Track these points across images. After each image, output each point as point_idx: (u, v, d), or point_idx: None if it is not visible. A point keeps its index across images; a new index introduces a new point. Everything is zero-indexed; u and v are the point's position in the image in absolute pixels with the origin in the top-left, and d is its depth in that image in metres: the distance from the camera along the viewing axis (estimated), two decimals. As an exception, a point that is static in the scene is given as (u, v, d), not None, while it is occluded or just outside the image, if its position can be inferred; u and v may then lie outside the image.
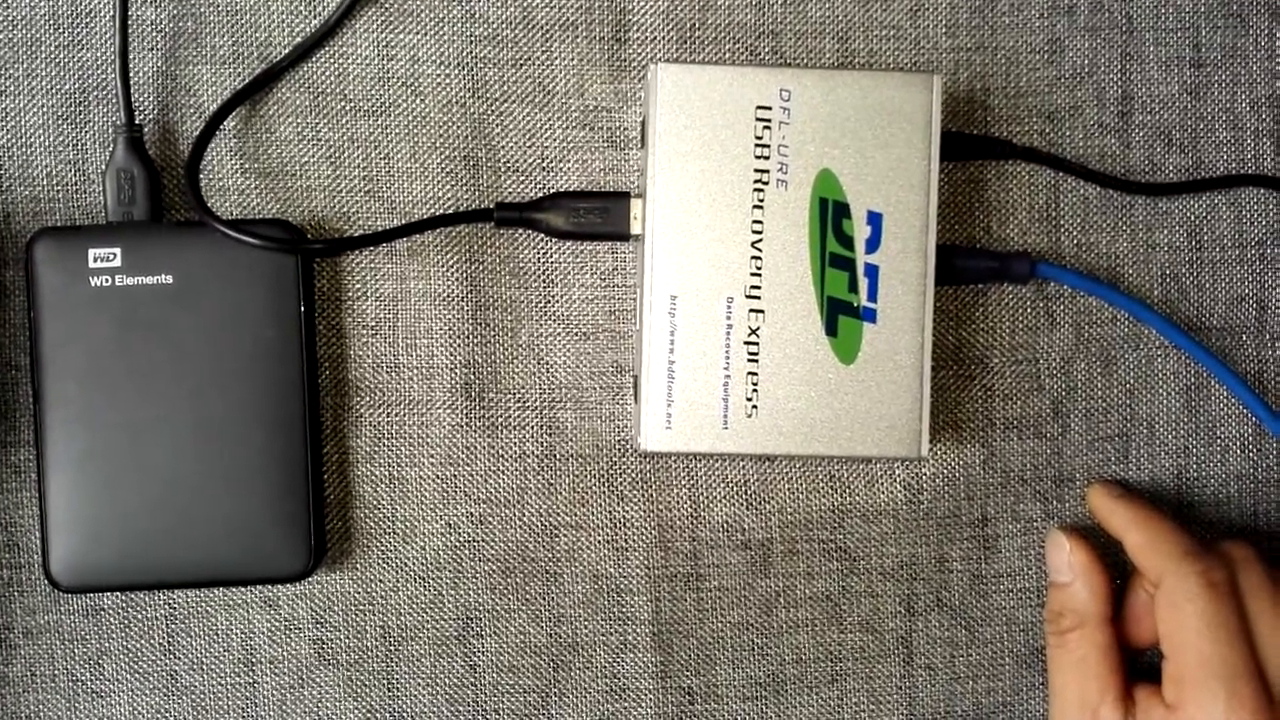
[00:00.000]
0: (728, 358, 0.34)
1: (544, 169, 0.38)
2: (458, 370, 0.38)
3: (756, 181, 0.34)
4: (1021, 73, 0.38)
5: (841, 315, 0.34)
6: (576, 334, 0.38)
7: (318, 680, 0.38)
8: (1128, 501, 0.36)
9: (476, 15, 0.38)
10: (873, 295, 0.34)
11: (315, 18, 0.37)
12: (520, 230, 0.38)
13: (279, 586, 0.37)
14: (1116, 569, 0.38)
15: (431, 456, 0.38)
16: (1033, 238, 0.39)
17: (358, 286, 0.38)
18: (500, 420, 0.38)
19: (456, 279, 0.38)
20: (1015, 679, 0.39)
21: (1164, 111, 0.39)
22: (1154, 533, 0.35)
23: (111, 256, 0.35)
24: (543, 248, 0.38)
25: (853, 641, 0.39)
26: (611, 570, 0.38)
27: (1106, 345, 0.39)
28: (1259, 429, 0.39)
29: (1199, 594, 0.33)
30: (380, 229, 0.37)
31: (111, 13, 0.37)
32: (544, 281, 0.38)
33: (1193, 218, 0.39)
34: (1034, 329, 0.39)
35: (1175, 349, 0.39)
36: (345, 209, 0.38)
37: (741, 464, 0.38)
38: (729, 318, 0.34)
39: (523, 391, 0.38)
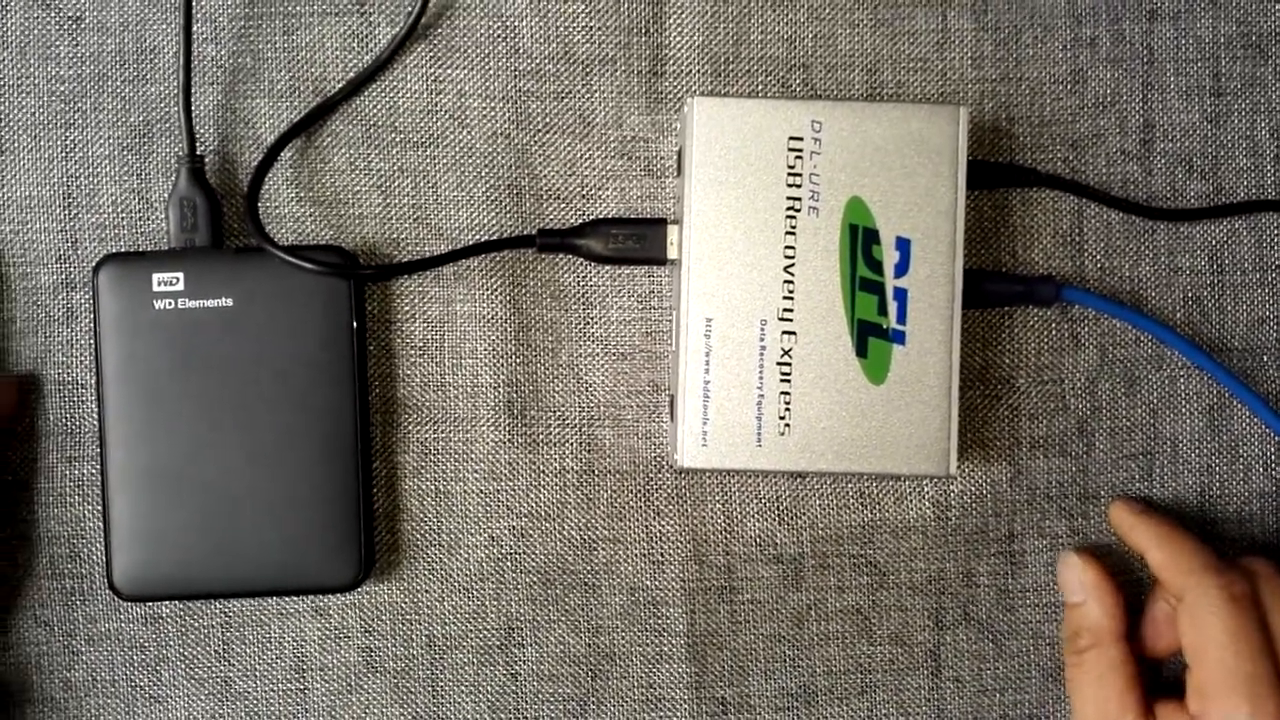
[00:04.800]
0: (761, 378, 0.36)
1: (584, 197, 0.39)
2: (501, 389, 0.39)
3: (789, 209, 0.36)
4: (1045, 102, 0.40)
5: (871, 337, 0.36)
6: (614, 354, 0.39)
7: (365, 687, 0.39)
8: (1149, 518, 0.37)
9: (520, 51, 0.39)
10: (902, 318, 0.36)
11: (368, 54, 0.39)
12: (561, 255, 0.39)
13: (329, 596, 0.39)
14: (1138, 585, 0.38)
15: (475, 472, 0.39)
16: (1057, 262, 0.40)
17: (407, 309, 0.39)
18: (541, 437, 0.39)
19: (500, 302, 0.39)
20: (1041, 691, 0.40)
21: (1185, 139, 0.40)
22: (1175, 548, 0.36)
23: (174, 281, 0.37)
24: (582, 272, 0.39)
25: (882, 654, 0.40)
26: (648, 583, 0.39)
27: (1130, 366, 0.40)
28: (1281, 448, 0.40)
29: (1221, 607, 0.34)
30: (428, 254, 0.39)
31: (175, 49, 0.39)
32: (583, 304, 0.39)
33: (1214, 242, 0.40)
34: (1059, 350, 0.40)
35: (1198, 369, 0.40)
36: (395, 235, 0.39)
37: (774, 480, 0.39)
38: (762, 340, 0.36)
39: (563, 409, 0.39)
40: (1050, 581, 0.40)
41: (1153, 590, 0.37)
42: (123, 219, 0.39)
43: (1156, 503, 0.40)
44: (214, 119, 0.39)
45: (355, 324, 0.37)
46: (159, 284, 0.37)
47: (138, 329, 0.37)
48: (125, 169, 0.39)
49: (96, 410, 0.38)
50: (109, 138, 0.39)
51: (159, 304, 0.37)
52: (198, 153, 0.38)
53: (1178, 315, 0.40)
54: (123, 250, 0.39)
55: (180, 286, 0.37)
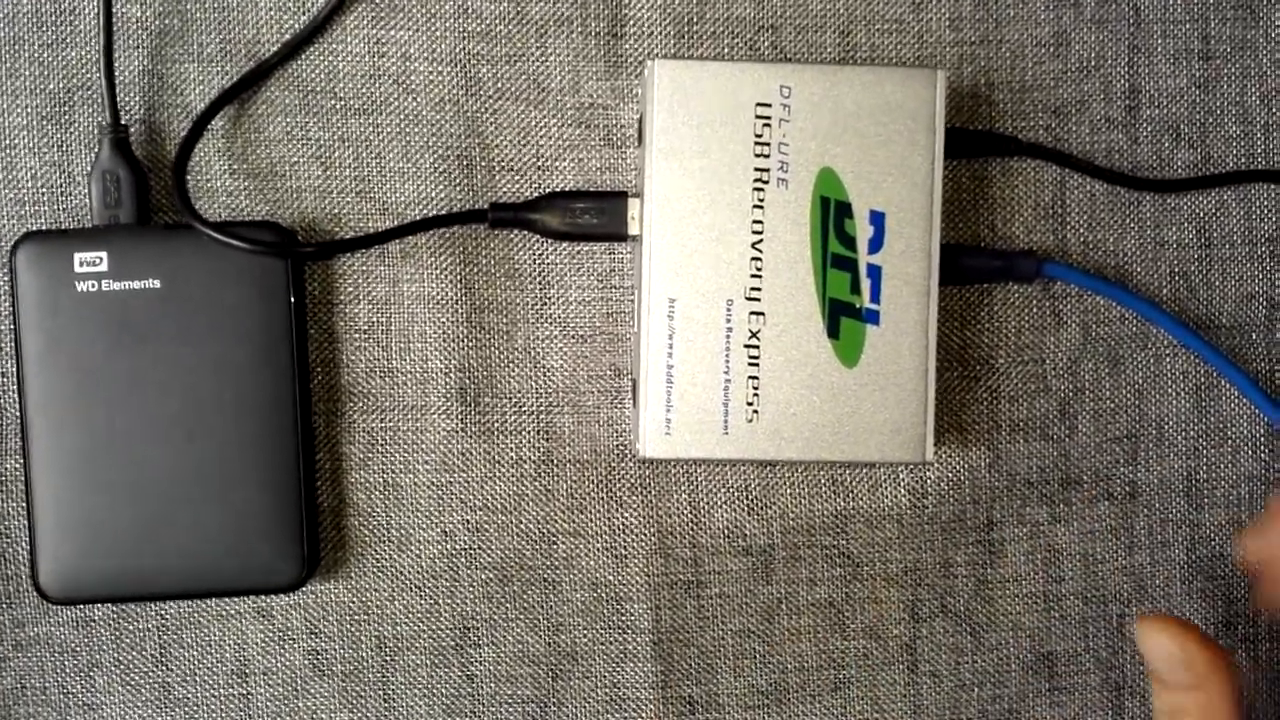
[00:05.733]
0: (728, 362, 0.34)
1: (539, 168, 0.37)
2: (452, 374, 0.37)
3: (756, 180, 0.33)
4: (1027, 66, 0.38)
5: (844, 317, 0.34)
6: (574, 337, 0.37)
7: (312, 691, 0.37)
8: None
9: (469, 10, 0.37)
10: (875, 297, 0.34)
11: (304, 14, 0.37)
12: (515, 231, 0.37)
13: (272, 596, 0.37)
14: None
15: (426, 462, 0.37)
16: (1038, 235, 0.38)
17: (350, 289, 0.37)
18: (496, 425, 0.37)
19: (450, 281, 0.37)
20: (1021, 685, 0.38)
21: (1172, 105, 0.38)
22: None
23: (98, 261, 0.34)
24: (538, 249, 0.37)
25: (856, 648, 0.38)
26: (610, 578, 0.37)
27: (1114, 345, 0.38)
28: (1271, 429, 0.38)
29: None
30: (372, 230, 0.37)
31: (96, 10, 0.36)
32: (540, 283, 0.37)
33: (1202, 214, 0.38)
34: (1040, 329, 0.38)
35: (1185, 348, 0.38)
36: (336, 210, 0.37)
37: (742, 469, 0.38)
38: (729, 321, 0.34)
39: (519, 396, 0.37)
40: (1030, 571, 0.38)
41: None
42: (42, 194, 0.36)
43: (1142, 487, 0.38)
44: (139, 85, 0.36)
45: (294, 306, 0.35)
46: (81, 264, 0.34)
47: (59, 313, 0.34)
48: (44, 140, 0.36)
49: (18, 399, 0.35)
50: (26, 106, 0.36)
51: (81, 286, 0.34)
52: (122, 122, 0.36)
53: (1164, 290, 0.38)
54: (43, 228, 0.36)
55: (104, 267, 0.34)
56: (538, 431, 0.37)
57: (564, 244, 0.37)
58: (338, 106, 0.37)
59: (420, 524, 0.37)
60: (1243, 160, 0.38)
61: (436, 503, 0.37)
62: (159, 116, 0.36)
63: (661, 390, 0.34)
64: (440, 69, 0.37)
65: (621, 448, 0.37)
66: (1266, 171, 0.38)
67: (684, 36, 0.37)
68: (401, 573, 0.37)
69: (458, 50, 0.37)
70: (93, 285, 0.34)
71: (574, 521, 0.37)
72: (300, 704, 0.37)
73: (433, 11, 0.37)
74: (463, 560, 0.37)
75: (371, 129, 0.37)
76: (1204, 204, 0.38)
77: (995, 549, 0.38)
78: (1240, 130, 0.38)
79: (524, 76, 0.37)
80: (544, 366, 0.37)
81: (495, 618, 0.37)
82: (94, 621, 0.37)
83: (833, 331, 0.34)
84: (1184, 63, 0.38)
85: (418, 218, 0.37)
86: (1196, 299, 0.38)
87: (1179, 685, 0.31)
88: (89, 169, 0.36)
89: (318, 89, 0.37)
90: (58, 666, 0.37)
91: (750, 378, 0.34)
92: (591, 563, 0.37)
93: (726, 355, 0.34)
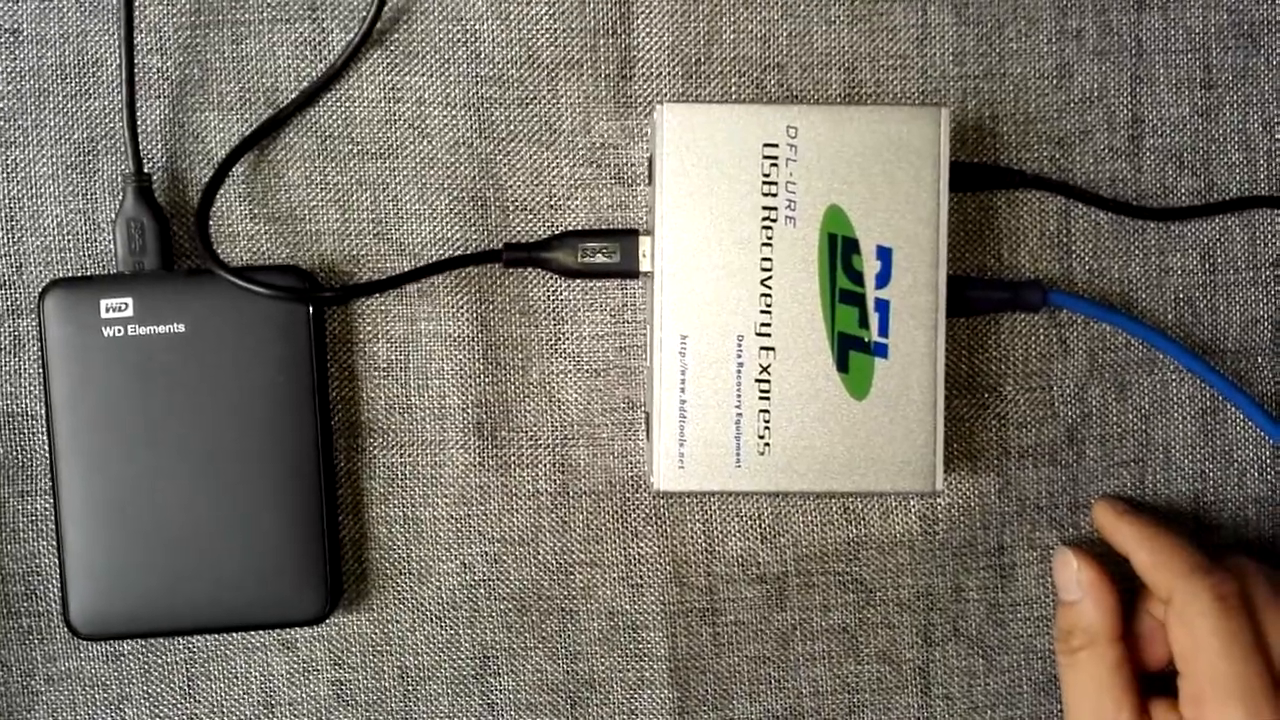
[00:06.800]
0: (739, 396, 0.34)
1: (552, 207, 0.38)
2: (470, 410, 0.38)
3: (765, 219, 0.34)
4: (1030, 99, 0.38)
5: (853, 351, 0.34)
6: (588, 371, 0.38)
7: (337, 721, 0.38)
8: (1133, 518, 0.36)
9: (481, 56, 0.38)
10: (884, 330, 0.34)
11: (321, 62, 0.37)
12: (530, 269, 0.38)
13: (297, 629, 0.38)
14: (1124, 583, 0.37)
15: (445, 496, 0.38)
16: (1044, 264, 0.38)
17: (369, 329, 0.38)
18: (513, 459, 0.38)
19: (467, 319, 0.38)
20: (1034, 707, 0.39)
21: (1175, 134, 0.38)
22: (1161, 549, 0.35)
23: (123, 306, 0.35)
24: (552, 286, 0.38)
25: (870, 673, 0.39)
26: (627, 607, 0.38)
27: (1120, 370, 0.39)
28: (1277, 451, 0.39)
29: (1211, 609, 0.33)
30: (390, 271, 0.37)
31: (118, 61, 0.37)
32: (554, 319, 0.38)
33: (1206, 240, 0.39)
34: (1047, 356, 0.38)
35: (1190, 373, 0.38)
36: (355, 252, 0.38)
37: (755, 498, 0.38)
38: (740, 356, 0.34)
39: (535, 430, 0.38)
40: (1041, 594, 0.39)
41: (1138, 602, 0.36)
42: (69, 241, 0.37)
43: (1144, 503, 0.38)
44: (161, 134, 0.37)
45: (315, 347, 0.36)
46: (107, 310, 0.35)
47: (87, 357, 0.35)
48: (70, 189, 0.37)
49: (47, 442, 0.36)
50: (52, 156, 0.37)
51: (108, 331, 0.35)
52: (144, 170, 0.36)
53: (1169, 316, 0.39)
54: (69, 275, 0.37)
55: (130, 312, 0.35)
56: (554, 464, 0.38)
57: (577, 281, 0.38)
58: (355, 151, 0.37)
59: (440, 556, 0.38)
60: (1245, 186, 0.39)
61: (456, 535, 0.38)
62: (181, 164, 0.37)
63: (674, 424, 0.34)
64: (454, 113, 0.38)
65: (636, 479, 0.38)
66: (1269, 197, 0.38)
67: (691, 77, 0.38)
68: (422, 604, 0.38)
69: (471, 94, 0.38)
70: (119, 330, 0.35)
71: (590, 552, 0.38)
72: (326, 734, 0.38)
73: (446, 57, 0.37)
74: (482, 591, 0.38)
75: (388, 172, 0.38)
76: (1208, 230, 0.39)
77: (1006, 573, 0.39)
78: (1243, 157, 0.38)
79: (536, 119, 0.38)
80: (559, 400, 0.38)
81: (514, 647, 0.38)
82: (123, 656, 0.38)
83: (842, 365, 0.34)
84: (1186, 92, 0.38)
85: (434, 258, 0.37)
86: (1201, 324, 0.39)
87: (1070, 603, 0.36)
88: (113, 216, 0.37)
89: (335, 134, 0.37)
90: (88, 700, 0.38)
91: (761, 411, 0.34)
92: (608, 592, 0.38)
93: (738, 389, 0.34)
